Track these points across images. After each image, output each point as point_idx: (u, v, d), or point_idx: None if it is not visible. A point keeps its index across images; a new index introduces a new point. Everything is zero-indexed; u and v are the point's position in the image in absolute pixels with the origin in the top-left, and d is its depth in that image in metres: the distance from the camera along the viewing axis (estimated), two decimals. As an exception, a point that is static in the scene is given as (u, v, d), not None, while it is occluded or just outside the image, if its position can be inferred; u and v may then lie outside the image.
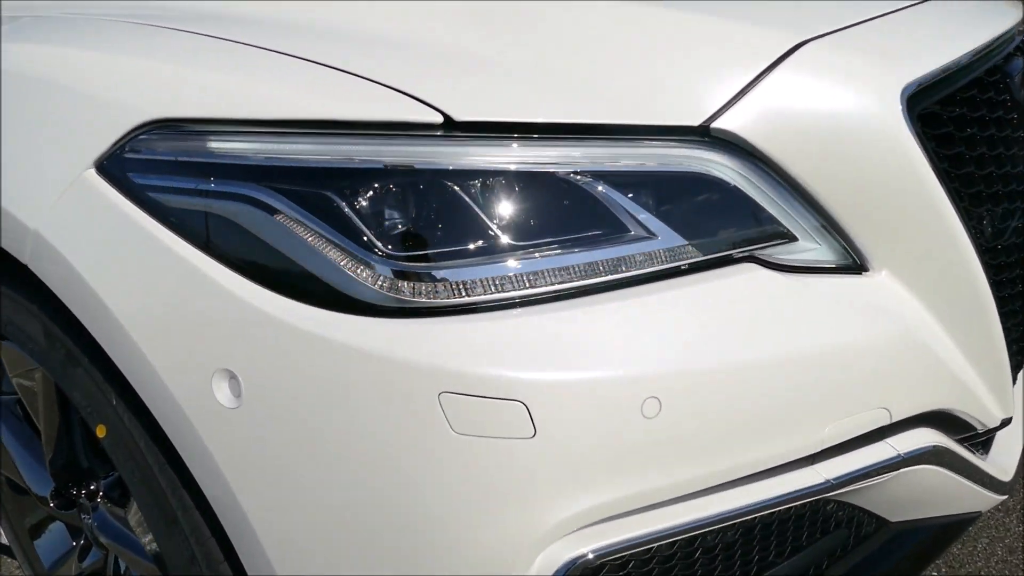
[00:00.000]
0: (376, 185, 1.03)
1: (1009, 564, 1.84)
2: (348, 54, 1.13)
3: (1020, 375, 1.47)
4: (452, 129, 1.04)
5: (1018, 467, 1.49)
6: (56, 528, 1.75)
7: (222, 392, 1.06)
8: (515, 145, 1.05)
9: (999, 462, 1.44)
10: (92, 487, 1.58)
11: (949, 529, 1.40)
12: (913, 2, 1.38)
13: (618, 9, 1.21)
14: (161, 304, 1.08)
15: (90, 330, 1.16)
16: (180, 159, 1.09)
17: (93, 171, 1.13)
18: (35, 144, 1.19)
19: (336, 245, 1.02)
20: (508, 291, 1.02)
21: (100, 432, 1.28)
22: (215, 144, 1.07)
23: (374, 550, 1.03)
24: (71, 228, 1.14)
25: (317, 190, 1.03)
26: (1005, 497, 1.44)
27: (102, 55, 1.18)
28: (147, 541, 1.42)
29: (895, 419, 1.18)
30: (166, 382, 1.08)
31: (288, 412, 1.03)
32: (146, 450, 1.21)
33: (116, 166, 1.12)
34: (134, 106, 1.12)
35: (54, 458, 1.57)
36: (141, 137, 1.11)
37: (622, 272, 1.06)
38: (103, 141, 1.13)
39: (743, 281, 1.09)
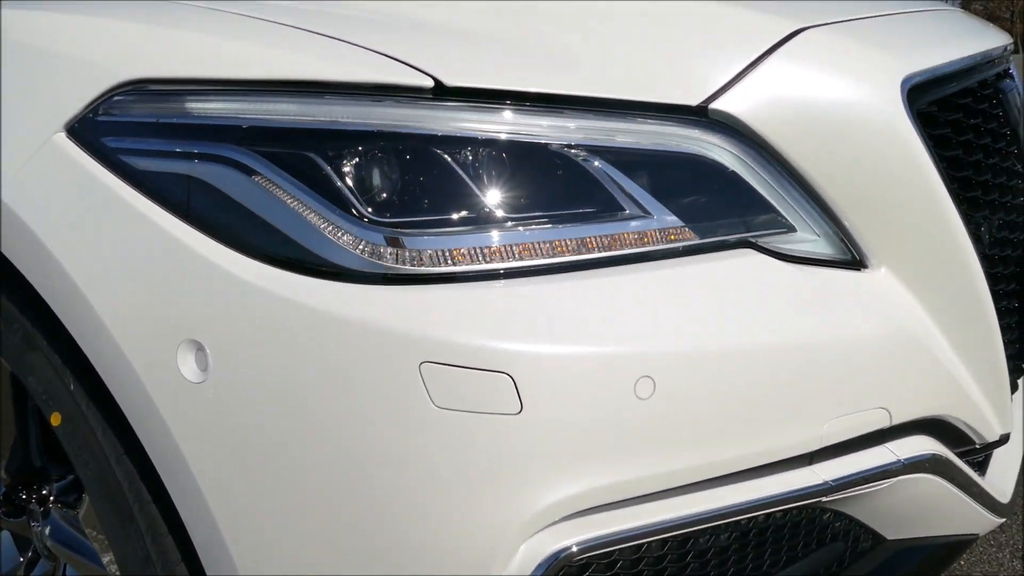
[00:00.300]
0: (361, 148, 0.98)
1: (1003, 601, 1.78)
2: (334, 23, 1.09)
3: (1016, 395, 1.43)
4: (443, 94, 1.00)
5: (1014, 495, 1.44)
6: (2, 539, 1.64)
7: (187, 365, 0.99)
8: (507, 113, 1.01)
9: (996, 484, 1.40)
10: (44, 491, 1.48)
11: (945, 551, 1.35)
12: (909, 10, 1.37)
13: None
14: (128, 271, 1.02)
15: (49, 302, 1.09)
16: (156, 121, 1.04)
17: (63, 134, 1.08)
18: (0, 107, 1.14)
19: (317, 209, 0.97)
20: (495, 262, 0.97)
21: (55, 420, 1.20)
22: (193, 104, 1.03)
23: (345, 537, 0.96)
24: (36, 194, 1.08)
25: (299, 152, 0.99)
26: (1003, 520, 1.39)
27: (75, 16, 1.14)
28: (108, 561, 1.33)
29: (895, 422, 1.14)
30: (127, 354, 1.01)
31: (257, 385, 0.96)
32: (103, 439, 1.14)
33: (88, 129, 1.07)
34: (109, 67, 1.07)
35: (9, 462, 1.47)
36: (116, 99, 1.06)
37: (614, 250, 1.01)
38: (75, 103, 1.08)
39: (740, 265, 1.05)
